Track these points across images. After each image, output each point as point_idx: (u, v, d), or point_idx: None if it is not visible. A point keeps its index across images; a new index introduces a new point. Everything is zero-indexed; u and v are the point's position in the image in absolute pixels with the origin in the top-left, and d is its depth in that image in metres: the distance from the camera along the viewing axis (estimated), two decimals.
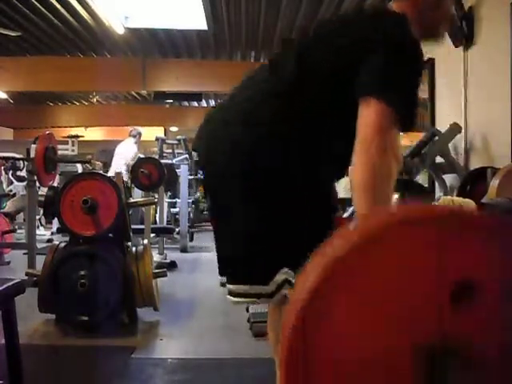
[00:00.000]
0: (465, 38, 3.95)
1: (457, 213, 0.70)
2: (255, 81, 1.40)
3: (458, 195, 3.21)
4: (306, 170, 1.23)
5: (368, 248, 0.64)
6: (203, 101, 10.93)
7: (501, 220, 0.68)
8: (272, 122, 1.24)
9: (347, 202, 3.82)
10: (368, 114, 1.13)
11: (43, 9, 5.94)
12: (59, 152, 10.21)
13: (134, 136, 7.74)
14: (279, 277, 1.20)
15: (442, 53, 4.52)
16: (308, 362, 0.63)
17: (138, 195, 5.72)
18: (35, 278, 3.02)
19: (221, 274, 1.38)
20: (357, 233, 0.65)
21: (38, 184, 4.33)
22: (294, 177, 1.22)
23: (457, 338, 0.65)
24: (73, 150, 9.95)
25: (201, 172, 1.47)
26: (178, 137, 8.31)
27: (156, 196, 5.87)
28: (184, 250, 6.40)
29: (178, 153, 8.24)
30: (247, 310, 3.11)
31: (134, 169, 5.15)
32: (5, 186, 8.13)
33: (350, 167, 1.24)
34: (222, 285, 1.38)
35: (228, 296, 1.33)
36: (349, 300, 0.63)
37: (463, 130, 3.93)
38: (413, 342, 0.64)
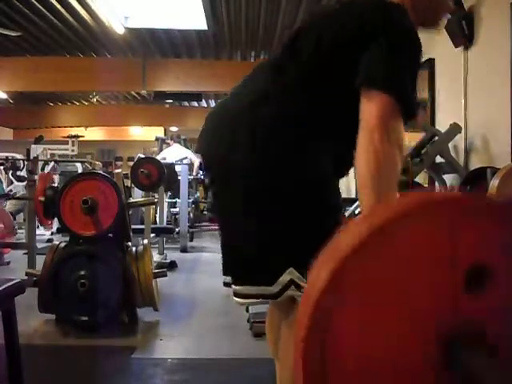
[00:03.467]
0: (465, 37, 3.95)
1: (469, 198, 0.69)
2: (256, 78, 1.40)
3: None
4: (309, 168, 1.22)
5: (380, 239, 0.62)
6: (203, 101, 10.93)
7: None
8: (274, 118, 1.23)
9: (347, 202, 3.82)
10: (370, 106, 1.12)
11: (43, 9, 5.94)
12: (59, 152, 10.24)
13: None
14: (284, 277, 1.19)
15: (442, 53, 4.52)
16: (325, 360, 0.62)
17: (138, 195, 5.73)
18: (35, 278, 3.02)
19: (225, 273, 1.37)
20: (368, 224, 0.64)
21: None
22: (297, 175, 1.22)
23: (474, 325, 0.64)
24: (73, 150, 9.94)
25: (204, 173, 1.46)
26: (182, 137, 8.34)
27: (156, 196, 5.87)
28: (184, 250, 6.40)
29: None
30: (247, 310, 3.11)
31: (134, 169, 5.15)
32: (5, 185, 8.14)
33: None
34: (226, 285, 1.37)
35: (233, 297, 1.32)
36: (362, 293, 0.62)
37: (463, 130, 3.92)
38: (431, 331, 0.64)
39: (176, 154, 7.45)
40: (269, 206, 1.22)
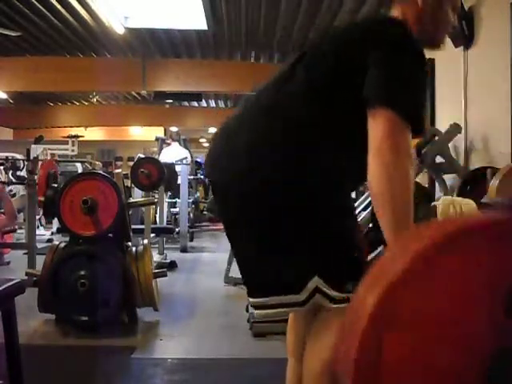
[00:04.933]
0: (465, 37, 3.95)
1: (506, 221, 0.69)
2: (258, 96, 1.40)
3: (458, 195, 3.21)
4: (325, 181, 1.23)
5: (424, 267, 0.64)
6: (203, 101, 10.93)
7: None
8: (286, 132, 1.24)
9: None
10: (377, 124, 1.12)
11: (43, 9, 5.93)
12: (59, 152, 10.24)
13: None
14: (311, 285, 1.20)
15: (442, 53, 4.52)
16: (380, 370, 0.63)
17: (138, 195, 5.73)
18: (35, 278, 3.02)
19: (247, 284, 1.36)
20: (412, 252, 0.66)
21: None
22: (314, 188, 1.22)
23: None
24: (73, 150, 9.94)
25: (217, 194, 1.42)
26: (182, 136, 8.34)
27: (156, 196, 5.87)
28: (184, 249, 6.40)
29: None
30: (247, 310, 3.11)
31: (134, 169, 5.15)
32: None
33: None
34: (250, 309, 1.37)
35: (256, 311, 1.30)
36: (410, 319, 0.64)
37: (463, 130, 3.92)
38: (472, 353, 0.65)
39: (176, 155, 7.44)
40: (290, 218, 1.22)
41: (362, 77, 1.18)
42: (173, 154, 7.46)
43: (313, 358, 1.27)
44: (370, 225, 2.83)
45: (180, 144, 8.04)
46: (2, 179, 7.96)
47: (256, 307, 1.30)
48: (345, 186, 1.31)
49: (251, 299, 1.31)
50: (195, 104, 11.82)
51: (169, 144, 7.96)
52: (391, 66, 1.17)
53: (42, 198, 3.53)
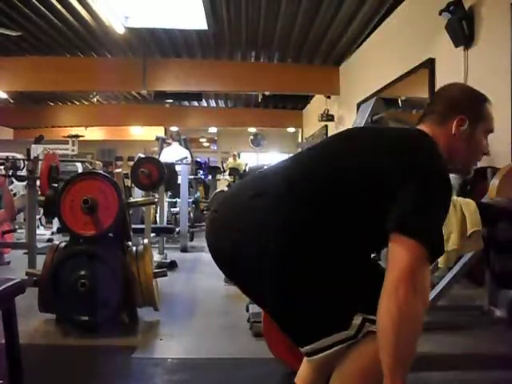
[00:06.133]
0: (465, 37, 3.95)
1: None
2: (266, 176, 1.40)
3: (458, 195, 3.21)
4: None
5: None
6: (203, 100, 10.94)
7: None
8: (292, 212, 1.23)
9: None
10: (400, 254, 1.12)
11: (43, 9, 5.94)
12: (59, 152, 10.24)
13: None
14: (356, 320, 1.20)
15: (442, 53, 4.52)
16: None
17: (138, 195, 5.73)
18: (35, 278, 3.02)
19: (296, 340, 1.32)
20: None
21: (38, 184, 4.34)
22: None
23: None
24: (73, 150, 9.93)
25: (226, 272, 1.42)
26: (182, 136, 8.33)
27: (156, 196, 5.87)
28: (184, 249, 6.41)
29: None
30: (247, 310, 3.11)
31: (135, 168, 5.15)
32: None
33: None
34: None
35: (307, 358, 1.28)
36: None
37: None
38: None
39: (176, 154, 7.44)
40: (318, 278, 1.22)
41: (388, 198, 1.17)
42: (173, 153, 7.46)
43: (348, 368, 1.25)
44: None
45: (180, 144, 8.04)
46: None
47: (307, 355, 1.27)
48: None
49: (302, 349, 1.27)
50: (195, 104, 11.82)
51: (169, 144, 7.96)
52: (422, 195, 1.16)
53: (42, 198, 3.53)
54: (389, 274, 1.13)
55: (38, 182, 4.35)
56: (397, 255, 1.13)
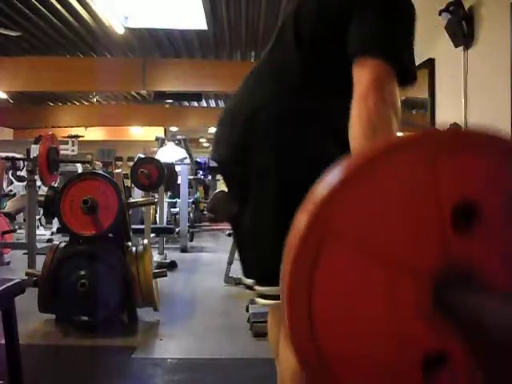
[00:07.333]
0: (465, 37, 3.95)
1: (448, 133, 0.66)
2: (256, 74, 1.41)
3: None
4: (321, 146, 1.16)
5: (360, 181, 0.61)
6: (203, 101, 10.93)
7: (499, 138, 0.65)
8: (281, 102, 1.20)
9: None
10: (363, 72, 1.03)
11: (43, 9, 5.94)
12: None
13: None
14: None
15: (442, 53, 4.52)
16: (315, 281, 0.61)
17: (138, 195, 5.73)
18: (35, 278, 3.02)
19: (246, 275, 1.30)
20: (347, 166, 0.62)
21: (37, 184, 4.34)
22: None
23: (462, 263, 0.63)
24: (73, 150, 9.93)
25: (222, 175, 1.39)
26: (178, 137, 8.32)
27: (156, 196, 5.87)
28: (184, 250, 6.41)
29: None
30: (247, 310, 3.11)
31: (134, 169, 5.15)
32: (5, 185, 8.13)
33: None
34: (248, 287, 1.29)
35: (258, 299, 1.23)
36: (344, 237, 0.62)
37: None
38: (417, 270, 0.63)
39: (172, 153, 7.45)
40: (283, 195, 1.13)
41: (347, 26, 1.10)
42: (169, 152, 7.48)
43: (286, 362, 1.23)
44: None
45: (175, 143, 8.03)
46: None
47: (259, 295, 1.23)
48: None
49: (257, 287, 1.23)
50: (195, 104, 11.83)
51: (165, 144, 8.00)
52: (379, 13, 1.08)
53: (42, 198, 3.53)
54: (354, 93, 1.02)
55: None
56: (360, 74, 1.03)
